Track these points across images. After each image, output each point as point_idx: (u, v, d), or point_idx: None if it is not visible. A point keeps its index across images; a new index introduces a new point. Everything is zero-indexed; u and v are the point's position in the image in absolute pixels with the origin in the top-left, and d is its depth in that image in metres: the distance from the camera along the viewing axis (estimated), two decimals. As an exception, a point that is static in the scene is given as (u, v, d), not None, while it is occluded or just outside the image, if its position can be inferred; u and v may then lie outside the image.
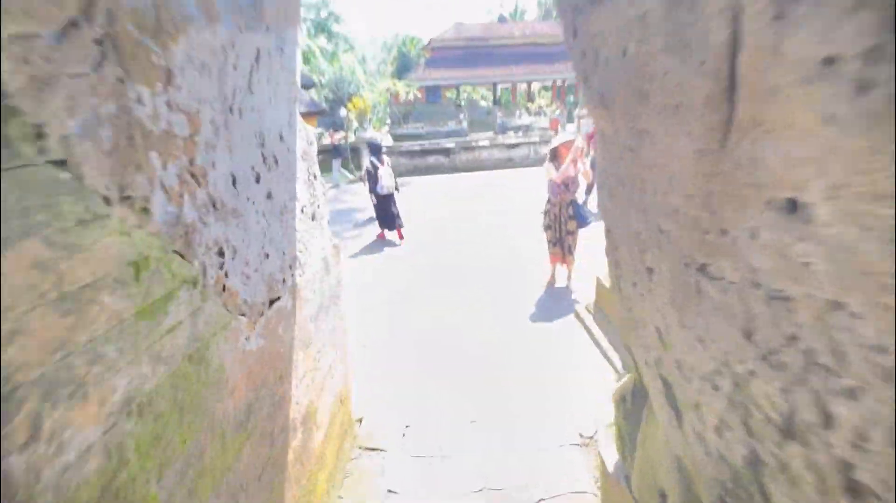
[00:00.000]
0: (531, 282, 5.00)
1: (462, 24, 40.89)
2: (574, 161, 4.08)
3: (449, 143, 14.04)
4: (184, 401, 1.35)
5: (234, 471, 1.63)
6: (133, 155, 1.16)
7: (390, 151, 13.86)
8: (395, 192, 7.04)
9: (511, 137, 14.45)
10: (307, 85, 20.55)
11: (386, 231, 7.04)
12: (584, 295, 4.76)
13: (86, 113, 1.01)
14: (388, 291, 5.14)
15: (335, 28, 49.22)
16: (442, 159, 14.06)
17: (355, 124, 17.54)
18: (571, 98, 39.64)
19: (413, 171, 14.01)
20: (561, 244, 4.51)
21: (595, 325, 3.48)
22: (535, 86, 46.56)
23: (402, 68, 49.44)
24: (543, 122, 24.83)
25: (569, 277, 4.74)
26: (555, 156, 4.36)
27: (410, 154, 13.91)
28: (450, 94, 41.91)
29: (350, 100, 27.80)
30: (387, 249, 6.56)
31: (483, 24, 42.93)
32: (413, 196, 10.59)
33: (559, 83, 42.00)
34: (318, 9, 49.17)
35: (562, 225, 4.44)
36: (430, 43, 39.29)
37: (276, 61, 2.08)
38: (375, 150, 7.05)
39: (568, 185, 4.38)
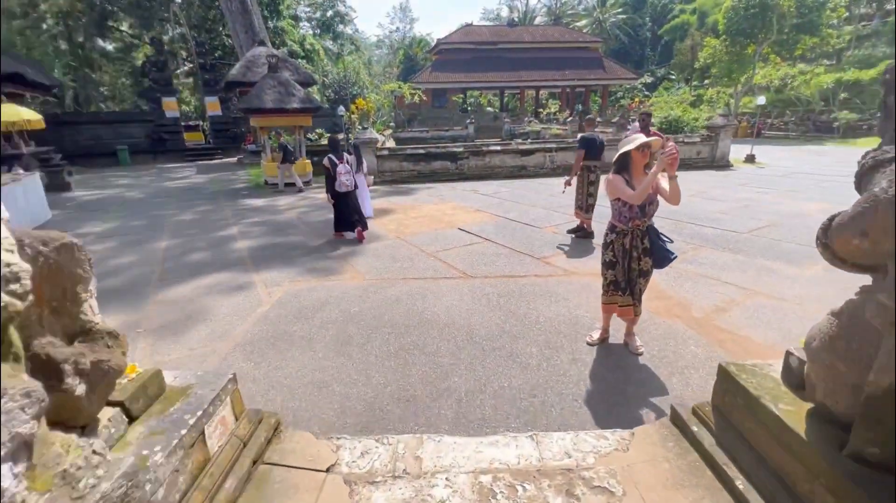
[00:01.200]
0: (567, 341, 3.64)
1: (471, 25, 39.82)
2: (669, 167, 2.70)
3: (457, 148, 12.71)
4: None
5: None
6: None
7: (394, 155, 12.52)
8: (357, 190, 6.92)
9: (525, 143, 13.10)
10: (306, 83, 19.37)
11: (345, 232, 6.88)
12: (661, 364, 3.38)
13: None
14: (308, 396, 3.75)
15: (341, 28, 48.31)
16: (449, 165, 12.72)
17: (358, 125, 16.31)
18: (579, 106, 38.41)
19: (416, 178, 12.66)
20: (631, 289, 3.15)
21: (719, 450, 2.05)
22: (543, 93, 45.51)
23: (409, 71, 48.46)
24: (555, 129, 23.54)
25: (630, 334, 3.36)
26: (624, 165, 3.02)
27: (414, 158, 12.57)
28: (456, 99, 40.71)
29: (354, 101, 26.68)
30: (334, 286, 4.83)
31: (492, 28, 41.84)
32: (408, 209, 9.21)
33: (567, 90, 40.89)
34: (325, 9, 48.31)
35: (633, 262, 3.09)
36: (437, 45, 38.29)
37: None
38: (334, 145, 6.75)
39: (646, 206, 3.04)
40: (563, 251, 5.93)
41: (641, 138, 3.02)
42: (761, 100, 14.64)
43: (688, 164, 13.45)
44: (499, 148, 12.77)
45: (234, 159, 20.35)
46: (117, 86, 37.15)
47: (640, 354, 3.37)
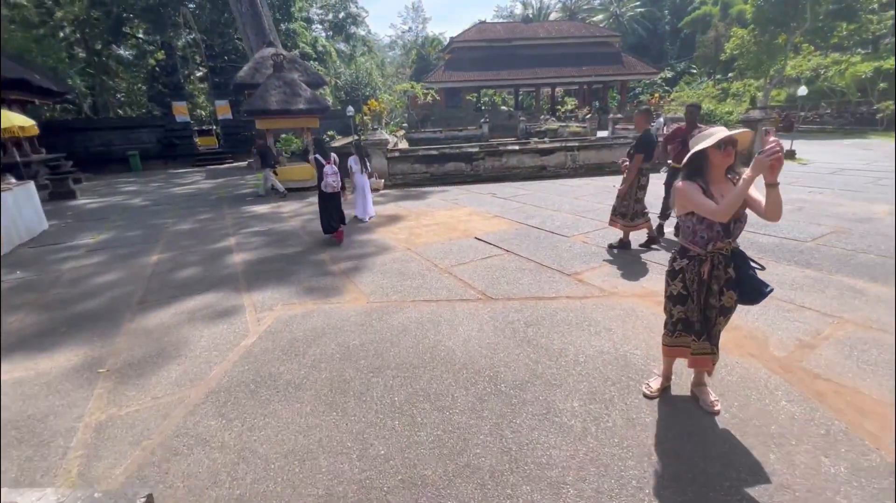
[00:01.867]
0: (618, 391, 2.87)
1: (484, 23, 39.02)
2: (770, 170, 1.90)
3: (472, 148, 11.97)
4: None
5: None
6: None
7: (405, 157, 11.85)
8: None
9: (545, 142, 12.28)
10: (316, 84, 18.86)
11: (328, 233, 6.76)
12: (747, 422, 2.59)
13: None
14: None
15: (353, 30, 48.02)
16: (463, 166, 11.99)
17: (370, 126, 15.71)
18: (597, 103, 37.24)
19: (429, 180, 11.96)
20: (708, 332, 2.38)
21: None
22: (559, 90, 44.35)
23: (422, 71, 47.86)
24: (573, 126, 22.58)
25: (701, 384, 2.60)
26: (699, 168, 2.25)
27: (427, 160, 11.88)
28: (470, 98, 39.94)
29: (366, 102, 26.19)
30: (333, 310, 4.13)
31: (506, 24, 40.94)
32: (420, 216, 8.49)
33: (584, 87, 39.72)
34: (337, 10, 48.11)
35: (712, 296, 2.32)
36: (450, 43, 37.53)
37: None
38: (319, 146, 6.79)
39: (731, 224, 2.26)
40: (598, 266, 5.15)
41: (722, 132, 2.24)
42: (803, 90, 13.51)
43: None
44: (516, 147, 11.99)
45: (245, 163, 19.99)
46: (134, 92, 37.46)
47: (717, 413, 2.59)
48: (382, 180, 11.54)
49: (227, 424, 2.71)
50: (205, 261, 6.10)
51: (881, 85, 25.70)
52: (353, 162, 7.92)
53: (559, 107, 31.49)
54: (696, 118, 5.86)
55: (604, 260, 5.33)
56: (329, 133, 21.97)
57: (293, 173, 11.57)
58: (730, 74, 38.28)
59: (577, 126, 21.77)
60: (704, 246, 2.33)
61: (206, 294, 4.87)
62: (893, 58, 24.64)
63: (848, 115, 26.17)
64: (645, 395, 2.78)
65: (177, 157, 20.31)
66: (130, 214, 9.94)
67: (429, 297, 4.47)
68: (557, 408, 2.71)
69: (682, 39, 52.52)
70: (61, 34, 30.41)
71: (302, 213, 9.21)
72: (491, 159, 12.00)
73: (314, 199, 10.57)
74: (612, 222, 5.74)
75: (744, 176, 2.06)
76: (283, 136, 15.46)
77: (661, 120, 17.11)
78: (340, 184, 6.62)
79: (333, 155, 6.66)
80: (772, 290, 2.34)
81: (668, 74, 45.59)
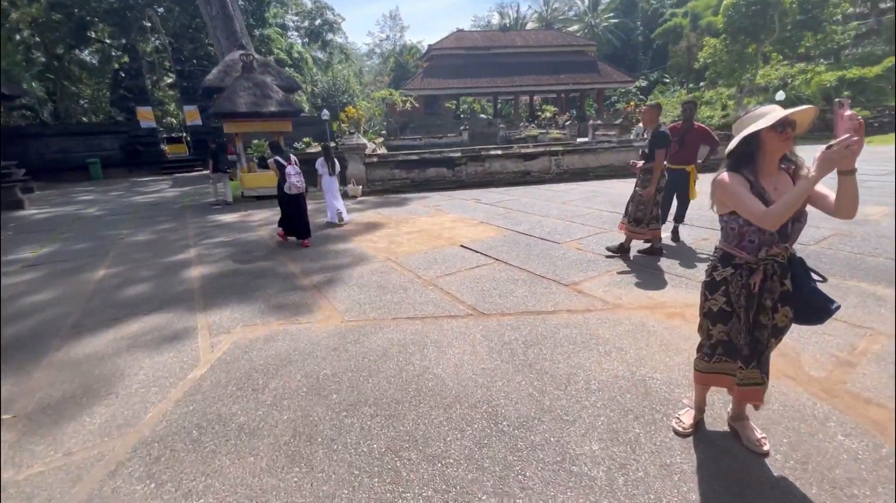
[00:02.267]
0: (642, 426, 2.38)
1: (462, 31, 39.03)
2: (849, 156, 1.47)
3: (454, 153, 11.54)
4: None
5: None
6: None
7: (384, 162, 11.32)
8: (306, 194, 6.67)
9: (528, 146, 11.96)
10: (290, 88, 18.18)
11: (291, 236, 6.73)
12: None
13: None
14: None
15: (330, 37, 47.44)
16: (445, 171, 11.54)
17: (347, 131, 15.11)
18: (573, 111, 37.57)
19: (409, 186, 11.46)
20: (758, 357, 1.94)
21: None
22: (537, 98, 44.70)
23: (400, 79, 47.51)
24: (554, 133, 22.52)
25: (742, 418, 2.16)
26: (748, 156, 1.84)
27: (407, 165, 11.38)
28: (449, 106, 39.77)
29: (343, 109, 25.59)
30: (301, 331, 3.60)
31: (484, 33, 41.09)
32: (401, 223, 7.96)
33: (562, 95, 40.10)
34: (313, 17, 47.47)
35: (762, 313, 1.88)
36: (428, 51, 37.34)
37: None
38: (276, 148, 6.73)
39: (789, 226, 1.84)
40: (597, 274, 4.71)
41: (779, 111, 1.82)
42: (780, 95, 13.65)
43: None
44: (500, 152, 11.62)
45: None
46: (98, 98, 35.82)
47: (766, 454, 2.14)
48: (360, 187, 10.98)
49: (155, 490, 2.11)
50: (158, 277, 5.41)
51: (845, 93, 26.62)
52: (319, 165, 7.84)
53: (539, 113, 31.46)
54: (693, 115, 5.54)
55: (602, 268, 4.91)
56: (305, 140, 21.25)
57: (262, 180, 10.89)
58: (701, 83, 39.27)
59: (557, 132, 21.72)
60: (755, 252, 1.89)
61: (155, 315, 4.21)
62: (855, 68, 25.60)
63: (817, 121, 26.93)
64: (676, 432, 2.31)
65: (142, 165, 19.24)
66: (81, 225, 9.08)
67: (412, 314, 3.94)
68: (574, 453, 2.21)
69: (654, 50, 53.91)
70: (17, 37, 28.86)
71: (272, 221, 8.54)
72: (473, 164, 11.59)
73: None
74: (623, 228, 5.30)
75: (809, 173, 1.63)
76: (255, 141, 14.75)
77: (641, 126, 17.13)
78: (304, 185, 6.49)
79: (293, 156, 6.58)
80: (838, 308, 1.91)
81: (643, 83, 46.52)
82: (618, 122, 19.69)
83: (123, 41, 26.09)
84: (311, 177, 7.86)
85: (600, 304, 3.96)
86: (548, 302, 4.05)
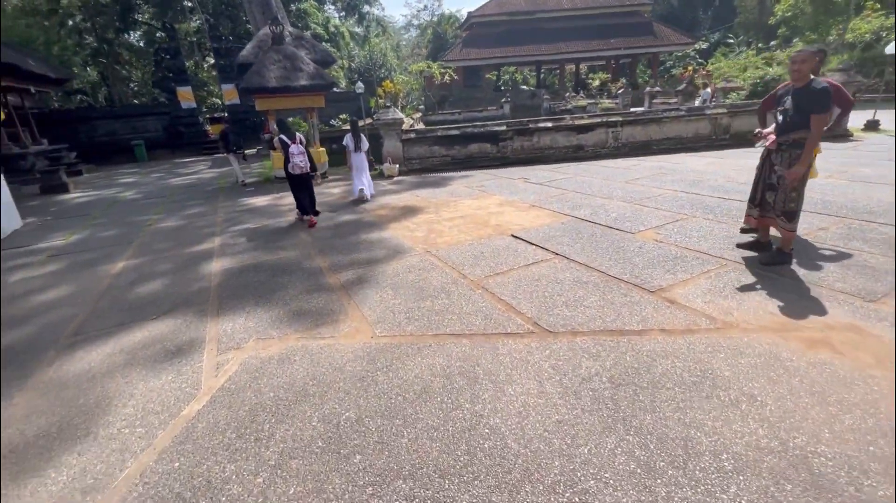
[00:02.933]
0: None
1: (504, -4, 36.65)
2: None
3: (497, 126, 10.48)
4: None
5: None
6: None
7: (422, 138, 10.46)
8: (314, 175, 6.54)
9: (583, 117, 10.68)
10: (326, 62, 17.49)
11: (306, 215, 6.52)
12: None
13: None
14: None
15: (366, 9, 46.21)
16: (488, 147, 10.54)
17: (384, 105, 14.22)
18: (623, 79, 34.71)
19: (449, 164, 10.57)
20: None
21: None
22: (583, 67, 41.75)
23: (438, 50, 45.77)
24: (605, 103, 20.65)
25: None
26: None
27: (447, 141, 10.46)
28: (490, 77, 37.90)
29: (380, 84, 24.75)
30: (323, 350, 2.93)
31: (527, -4, 38.45)
32: (441, 207, 7.12)
33: (612, 63, 37.18)
34: (349, -11, 46.24)
35: None
36: (468, 19, 35.36)
37: None
38: (283, 126, 6.45)
39: None
40: (689, 277, 3.73)
41: None
42: (890, 48, 11.44)
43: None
44: (550, 125, 10.44)
45: (254, 150, 18.92)
46: (146, 81, 36.84)
47: None
48: (397, 166, 10.21)
49: None
50: (176, 271, 4.92)
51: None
52: (348, 140, 7.72)
53: (589, 82, 29.17)
54: (819, 70, 4.27)
55: (695, 267, 3.90)
56: (342, 117, 20.66)
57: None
58: (772, 42, 35.13)
59: (609, 102, 19.89)
60: None
61: (163, 321, 3.68)
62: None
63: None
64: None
65: (184, 146, 19.38)
66: (116, 210, 8.91)
67: (458, 329, 3.16)
68: None
69: (715, 8, 48.96)
70: (70, 22, 29.76)
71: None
72: (520, 139, 10.50)
73: (321, 188, 9.34)
74: (754, 219, 4.07)
75: None
76: (290, 119, 14.24)
77: (709, 91, 15.20)
78: (310, 164, 6.31)
79: (300, 134, 6.30)
80: None
81: (703, 45, 42.37)
82: (680, 88, 17.60)
83: (163, 22, 26.14)
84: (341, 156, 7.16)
85: (705, 322, 3.01)
86: (632, 316, 3.15)
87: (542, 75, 40.22)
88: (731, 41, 42.68)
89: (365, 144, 7.75)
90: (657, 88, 19.12)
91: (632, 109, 19.49)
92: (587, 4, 35.43)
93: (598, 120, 10.48)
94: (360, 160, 7.74)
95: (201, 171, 14.44)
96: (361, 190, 7.72)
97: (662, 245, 4.50)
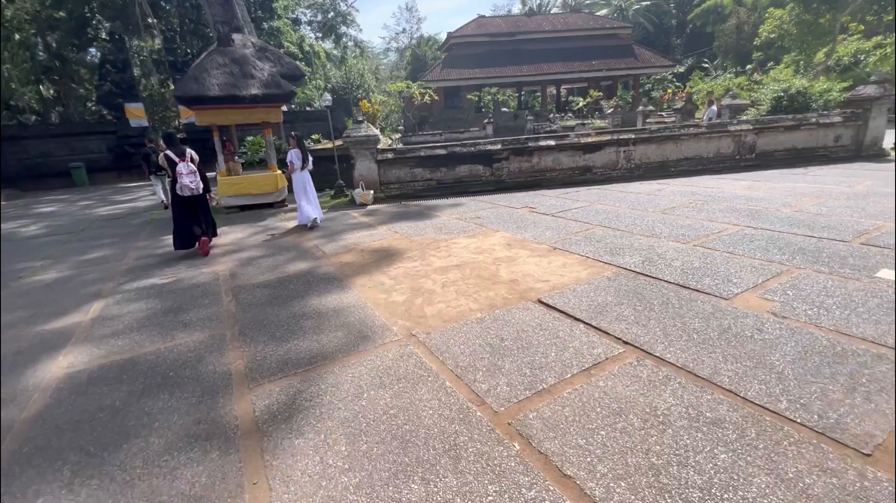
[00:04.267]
0: None
1: (484, 17, 36.12)
2: None
3: (491, 145, 8.86)
4: None
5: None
6: None
7: (402, 159, 8.71)
8: (209, 196, 5.73)
9: (590, 134, 9.15)
10: (294, 76, 15.76)
11: (184, 248, 5.61)
12: None
13: None
14: None
15: (344, 30, 45.18)
16: (480, 170, 8.89)
17: (354, 120, 12.42)
18: (617, 97, 34.23)
19: (434, 190, 8.85)
20: None
21: None
22: (564, 90, 41.42)
23: (417, 72, 44.86)
24: (598, 122, 19.48)
25: None
26: None
27: (431, 163, 8.78)
28: (472, 97, 36.97)
29: (357, 104, 23.17)
30: None
31: (508, 18, 38.10)
32: (428, 249, 5.34)
33: (591, 85, 36.80)
34: (326, 10, 45.30)
35: None
36: (448, 39, 34.44)
37: None
38: (170, 140, 5.55)
39: None
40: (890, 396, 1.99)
41: None
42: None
43: (822, 155, 9.38)
44: (552, 142, 8.88)
45: (213, 174, 16.88)
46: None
47: None
48: (371, 192, 8.42)
49: None
50: (-11, 376, 2.93)
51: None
52: (293, 156, 6.85)
53: (578, 100, 28.20)
54: None
55: (887, 377, 2.17)
56: (314, 136, 18.89)
57: (251, 184, 8.46)
58: (748, 66, 35.42)
59: (600, 122, 18.72)
60: None
61: None
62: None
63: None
64: None
65: (132, 169, 17.17)
66: (3, 251, 6.78)
67: None
68: None
69: (688, 34, 50.06)
70: (17, 36, 27.38)
71: (244, 247, 6.05)
72: (517, 159, 8.89)
73: (275, 222, 7.44)
74: None
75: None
76: (250, 138, 12.40)
77: (714, 109, 14.10)
78: (202, 185, 5.52)
79: (190, 151, 5.49)
80: None
81: (680, 69, 42.76)
82: (679, 106, 16.47)
83: (111, 32, 23.76)
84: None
85: None
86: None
87: (522, 97, 39.61)
88: (706, 65, 43.26)
89: (309, 164, 7.02)
90: (650, 108, 18.07)
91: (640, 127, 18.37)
92: (568, 27, 35.19)
93: (608, 137, 8.98)
94: (304, 179, 6.91)
95: (140, 199, 12.33)
96: (315, 219, 6.79)
97: (791, 325, 2.78)
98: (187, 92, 7.39)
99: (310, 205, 6.85)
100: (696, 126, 9.19)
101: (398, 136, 22.94)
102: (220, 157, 8.44)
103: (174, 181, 5.39)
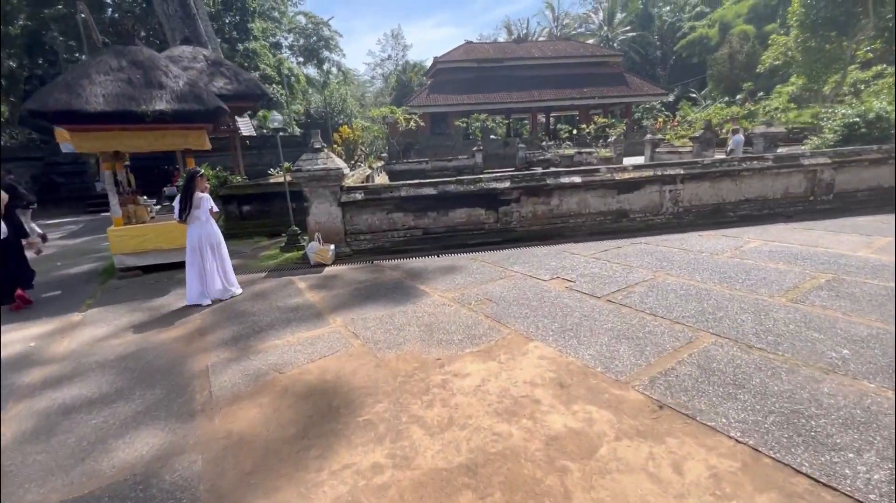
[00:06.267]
0: None
1: (472, 43, 34.99)
2: None
3: (499, 183, 6.59)
4: None
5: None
6: None
7: (376, 200, 6.36)
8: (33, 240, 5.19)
9: (626, 168, 7.01)
10: (251, 95, 13.38)
11: None
12: None
13: None
14: None
15: (326, 54, 43.65)
16: (482, 215, 6.62)
17: (311, 147, 9.68)
18: (621, 123, 33.03)
19: (422, 243, 6.52)
20: None
21: None
22: (552, 117, 40.35)
23: (402, 98, 43.40)
24: (603, 152, 17.64)
25: None
26: None
27: (416, 205, 6.47)
28: (459, 124, 35.41)
29: (337, 129, 21.04)
30: None
31: (496, 44, 37.08)
32: (410, 376, 2.94)
33: (579, 114, 35.67)
34: (308, 35, 43.81)
35: None
36: (434, 64, 32.89)
37: None
38: None
39: None
40: None
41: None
42: None
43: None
44: (578, 179, 6.67)
45: (156, 206, 14.29)
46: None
47: None
48: (332, 246, 6.02)
49: None
50: None
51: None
52: (175, 205, 4.95)
53: (583, 125, 26.53)
54: None
55: None
56: (285, 166, 16.57)
57: (158, 236, 6.00)
58: (738, 96, 34.85)
59: (606, 151, 16.85)
60: None
61: None
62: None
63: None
64: None
65: (61, 201, 14.47)
66: None
67: None
68: None
69: (672, 64, 50.27)
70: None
71: (136, 322, 3.55)
72: (531, 201, 6.65)
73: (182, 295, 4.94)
74: None
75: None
76: (202, 168, 9.96)
77: (740, 137, 12.27)
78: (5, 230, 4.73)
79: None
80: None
81: (669, 98, 42.27)
82: (697, 134, 14.66)
83: (42, 41, 20.83)
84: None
85: None
86: None
87: (510, 124, 38.29)
88: (694, 94, 42.90)
89: (212, 206, 4.93)
90: (658, 136, 16.36)
91: (625, 161, 16.50)
92: (557, 54, 34.22)
93: (650, 173, 6.83)
94: (200, 235, 4.81)
95: (50, 242, 9.66)
96: (221, 296, 4.88)
97: None
98: (51, 105, 4.97)
99: (205, 275, 4.75)
100: (760, 159, 7.11)
101: (381, 163, 20.76)
102: (113, 200, 5.95)
103: None
